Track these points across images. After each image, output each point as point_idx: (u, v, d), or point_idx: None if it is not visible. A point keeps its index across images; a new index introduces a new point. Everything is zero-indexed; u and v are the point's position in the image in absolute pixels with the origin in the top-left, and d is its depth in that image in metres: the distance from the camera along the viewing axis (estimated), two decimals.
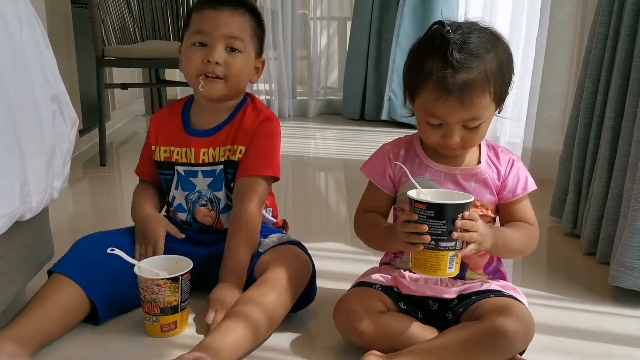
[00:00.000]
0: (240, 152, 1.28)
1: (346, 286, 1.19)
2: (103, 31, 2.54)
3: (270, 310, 1.10)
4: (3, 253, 1.05)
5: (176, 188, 1.33)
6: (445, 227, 0.97)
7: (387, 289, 1.11)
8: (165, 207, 1.39)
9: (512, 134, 2.62)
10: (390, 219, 1.17)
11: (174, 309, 1.14)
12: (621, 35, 1.48)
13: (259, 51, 1.33)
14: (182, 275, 1.14)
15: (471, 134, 1.05)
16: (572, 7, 2.12)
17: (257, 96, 1.38)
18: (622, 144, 1.45)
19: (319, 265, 1.28)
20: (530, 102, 2.33)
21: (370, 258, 1.50)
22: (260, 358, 1.09)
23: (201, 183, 1.31)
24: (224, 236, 1.26)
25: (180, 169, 1.31)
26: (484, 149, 1.13)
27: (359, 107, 3.76)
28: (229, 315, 1.09)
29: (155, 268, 1.15)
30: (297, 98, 4.04)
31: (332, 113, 4.03)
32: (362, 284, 1.13)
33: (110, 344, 1.14)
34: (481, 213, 1.09)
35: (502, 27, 2.68)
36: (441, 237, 0.97)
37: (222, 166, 1.30)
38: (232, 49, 1.25)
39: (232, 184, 1.30)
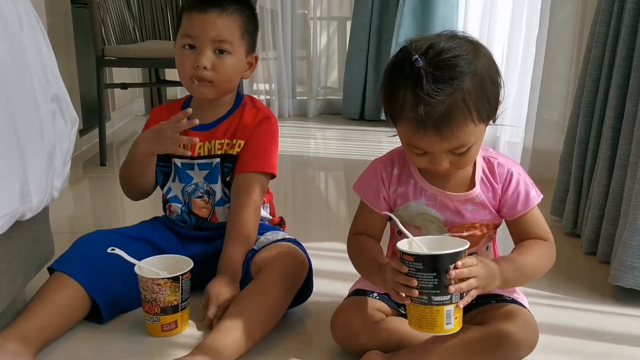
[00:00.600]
0: (239, 146, 1.30)
1: (345, 286, 1.18)
2: (103, 31, 2.55)
3: (269, 308, 1.11)
4: (3, 253, 1.05)
5: (173, 180, 1.34)
6: (436, 280, 0.88)
7: (385, 296, 1.07)
8: (162, 205, 1.39)
9: (512, 134, 2.62)
10: (386, 238, 1.13)
11: (175, 309, 1.15)
12: (621, 34, 1.48)
13: (252, 47, 1.33)
14: (182, 275, 1.14)
15: (461, 158, 0.97)
16: (572, 7, 2.12)
17: (256, 97, 1.39)
18: (622, 143, 1.45)
19: (318, 265, 1.28)
20: (531, 102, 2.33)
21: None
22: (260, 358, 1.09)
23: (198, 175, 1.32)
24: (221, 232, 1.28)
25: (178, 161, 1.33)
26: (479, 167, 1.05)
27: (359, 107, 3.75)
28: (228, 315, 1.09)
29: (156, 267, 1.15)
30: (297, 98, 4.04)
31: (332, 113, 4.03)
32: (358, 292, 1.09)
33: (111, 344, 1.14)
34: (480, 233, 1.06)
35: (502, 28, 2.71)
36: (433, 291, 0.89)
37: (218, 159, 1.31)
38: (221, 51, 1.25)
39: (228, 178, 1.32)
